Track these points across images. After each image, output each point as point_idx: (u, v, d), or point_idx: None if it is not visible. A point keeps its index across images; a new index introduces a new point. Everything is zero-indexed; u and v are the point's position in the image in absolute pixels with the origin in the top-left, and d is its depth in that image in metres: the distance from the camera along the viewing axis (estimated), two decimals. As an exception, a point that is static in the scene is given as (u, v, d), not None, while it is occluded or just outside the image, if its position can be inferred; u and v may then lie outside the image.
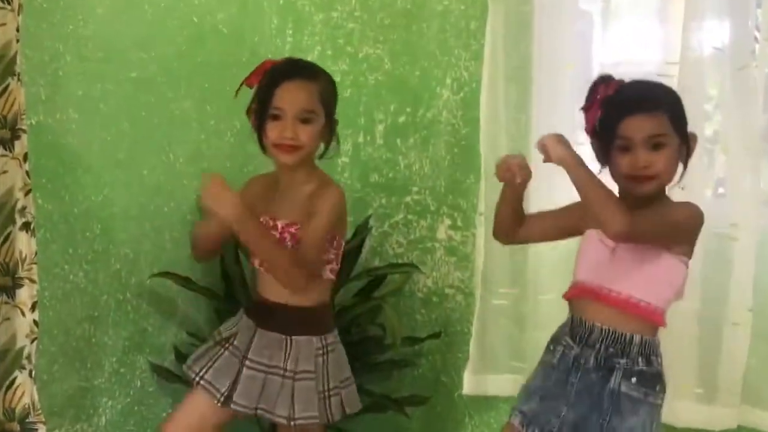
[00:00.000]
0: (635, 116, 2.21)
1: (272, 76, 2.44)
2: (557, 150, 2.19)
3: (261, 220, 2.48)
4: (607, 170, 2.33)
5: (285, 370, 2.47)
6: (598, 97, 2.30)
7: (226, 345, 2.53)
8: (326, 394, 2.49)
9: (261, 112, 2.43)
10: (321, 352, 2.50)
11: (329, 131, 2.52)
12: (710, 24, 2.87)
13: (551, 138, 2.23)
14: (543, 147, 2.23)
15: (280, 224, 2.47)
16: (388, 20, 3.47)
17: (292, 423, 2.43)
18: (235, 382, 2.47)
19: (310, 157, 2.49)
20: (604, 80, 2.33)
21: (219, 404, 2.47)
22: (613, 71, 3.10)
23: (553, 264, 3.09)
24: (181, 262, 3.20)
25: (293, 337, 2.48)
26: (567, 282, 3.00)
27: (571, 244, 2.98)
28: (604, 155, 2.30)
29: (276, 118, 2.41)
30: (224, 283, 3.23)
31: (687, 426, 2.89)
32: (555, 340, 2.38)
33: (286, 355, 2.47)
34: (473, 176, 3.31)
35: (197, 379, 2.52)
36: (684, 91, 2.85)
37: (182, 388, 3.21)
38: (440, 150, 3.41)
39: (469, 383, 3.23)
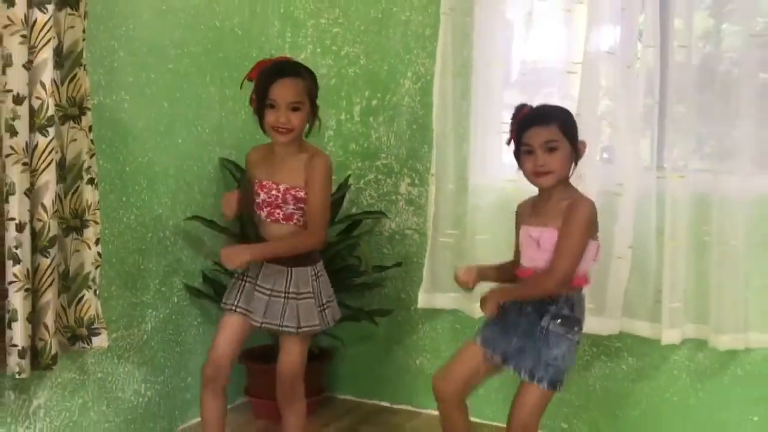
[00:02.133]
0: (533, 128, 2.23)
1: (268, 74, 2.38)
2: (490, 305, 2.24)
3: (265, 183, 2.45)
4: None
5: (288, 293, 2.45)
6: (516, 119, 2.31)
7: (244, 278, 2.52)
8: (322, 307, 2.50)
9: (260, 102, 2.38)
10: (314, 277, 2.50)
11: (313, 114, 2.46)
12: (605, 32, 2.88)
13: (486, 301, 2.26)
14: (484, 308, 2.27)
15: (282, 187, 2.43)
16: (364, 26, 3.44)
17: (298, 331, 2.44)
18: (251, 304, 2.49)
19: (300, 134, 2.45)
20: (522, 107, 2.33)
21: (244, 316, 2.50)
22: (532, 67, 3.16)
23: (486, 212, 3.13)
24: (207, 208, 3.21)
25: (293, 268, 2.46)
26: (496, 226, 3.07)
27: (501, 201, 3.03)
28: (518, 159, 2.31)
29: (272, 107, 2.36)
30: (239, 224, 3.23)
31: (584, 332, 2.94)
32: None
33: (288, 282, 2.45)
34: (427, 146, 3.30)
35: (234, 308, 2.50)
36: (584, 83, 2.91)
37: (208, 303, 3.25)
38: (402, 126, 3.40)
39: (422, 299, 3.24)
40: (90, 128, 2.53)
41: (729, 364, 2.88)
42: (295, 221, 2.46)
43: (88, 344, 2.59)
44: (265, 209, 2.47)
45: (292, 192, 2.44)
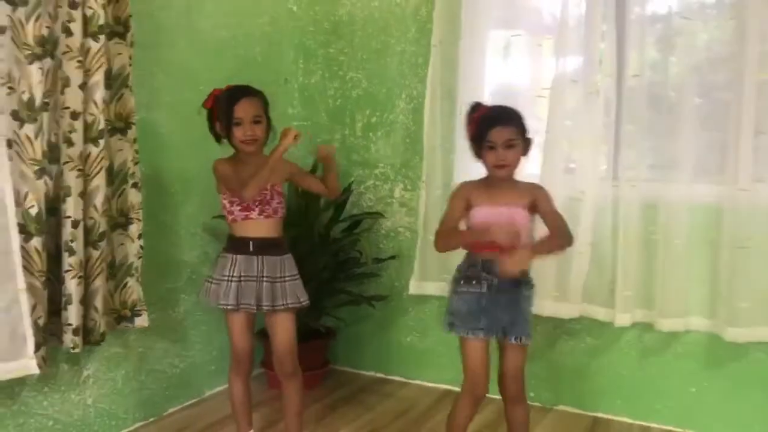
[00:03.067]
0: (497, 127, 2.19)
1: (230, 98, 2.35)
2: (524, 261, 2.13)
3: None
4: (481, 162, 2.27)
5: (284, 277, 2.42)
6: (475, 116, 2.26)
7: (230, 279, 2.39)
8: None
9: (227, 122, 2.34)
10: (293, 263, 2.48)
11: (269, 127, 2.42)
12: (571, 62, 2.88)
13: (520, 260, 2.11)
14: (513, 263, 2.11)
15: (268, 186, 2.39)
16: (366, 56, 3.44)
17: (302, 303, 2.43)
18: (259, 296, 2.39)
19: (263, 144, 2.41)
20: (477, 105, 2.29)
21: (255, 311, 2.40)
22: (508, 92, 3.15)
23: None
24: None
25: (283, 257, 2.43)
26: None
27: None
28: (478, 153, 2.25)
29: (238, 124, 2.33)
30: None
31: (549, 315, 2.96)
32: (474, 277, 2.25)
33: (282, 268, 2.42)
34: (418, 157, 3.30)
35: (237, 307, 2.38)
36: (552, 105, 2.92)
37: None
38: (397, 140, 3.40)
39: (413, 287, 3.25)
40: (135, 140, 2.55)
41: (671, 344, 2.91)
42: (279, 214, 2.43)
43: (131, 324, 2.60)
44: (257, 208, 2.40)
45: (276, 188, 2.43)
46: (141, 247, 2.59)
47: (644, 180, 2.84)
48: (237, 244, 2.40)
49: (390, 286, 3.45)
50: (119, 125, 2.51)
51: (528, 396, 3.08)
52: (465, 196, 2.27)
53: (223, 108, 2.36)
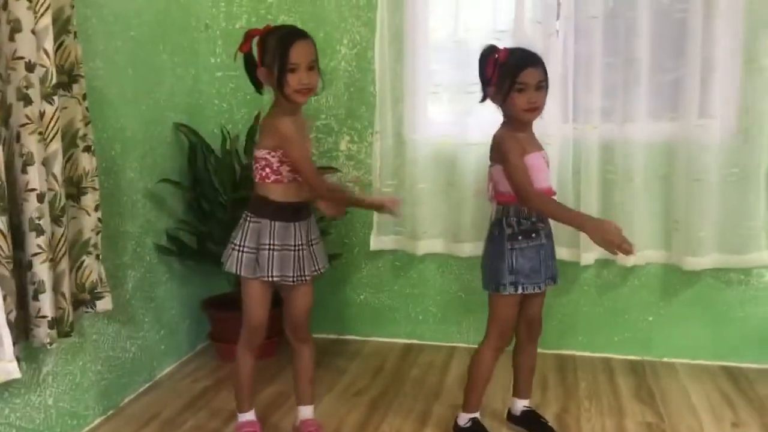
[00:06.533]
0: (529, 68, 2.12)
1: (284, 40, 2.06)
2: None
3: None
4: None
5: (312, 240, 2.22)
6: (497, 57, 2.15)
7: (271, 247, 2.15)
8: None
9: (281, 67, 2.06)
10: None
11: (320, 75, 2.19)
12: (530, 3, 2.88)
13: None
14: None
15: (307, 146, 2.23)
16: (299, -3, 3.21)
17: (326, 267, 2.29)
18: (300, 266, 2.19)
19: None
20: (495, 49, 2.17)
21: (293, 282, 2.18)
22: (462, 36, 3.08)
23: (422, 164, 3.09)
24: (167, 170, 2.93)
25: (310, 219, 2.24)
26: (433, 177, 3.06)
27: (434, 154, 3.05)
28: (504, 98, 2.14)
29: (293, 70, 2.06)
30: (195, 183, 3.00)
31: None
32: (532, 230, 2.22)
33: (311, 230, 2.23)
34: (364, 107, 3.18)
35: (270, 278, 2.15)
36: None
37: (173, 260, 3.00)
38: (340, 89, 3.22)
39: (374, 243, 3.18)
40: (84, 96, 2.20)
41: (628, 277, 3.07)
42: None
43: (91, 308, 2.29)
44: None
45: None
46: (99, 219, 2.27)
47: (603, 122, 2.90)
48: (275, 210, 2.13)
49: (340, 244, 3.32)
50: (62, 79, 2.14)
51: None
52: (522, 146, 2.16)
53: (274, 51, 2.05)
